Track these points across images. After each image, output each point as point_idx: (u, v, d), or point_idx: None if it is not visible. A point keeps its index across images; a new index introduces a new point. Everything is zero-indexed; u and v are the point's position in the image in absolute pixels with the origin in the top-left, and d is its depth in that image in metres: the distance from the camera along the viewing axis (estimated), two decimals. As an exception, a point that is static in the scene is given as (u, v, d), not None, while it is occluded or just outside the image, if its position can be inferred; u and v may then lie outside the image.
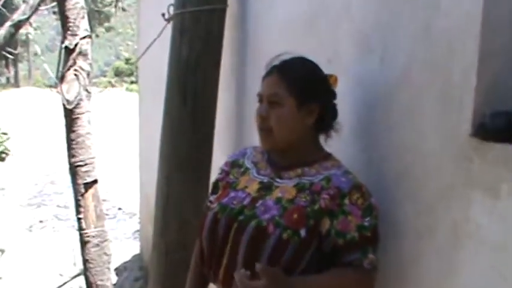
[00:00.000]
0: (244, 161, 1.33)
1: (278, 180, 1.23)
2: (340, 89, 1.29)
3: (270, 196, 1.20)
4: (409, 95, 1.12)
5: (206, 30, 2.02)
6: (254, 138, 1.32)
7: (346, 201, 1.12)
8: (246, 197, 1.23)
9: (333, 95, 1.26)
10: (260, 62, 1.34)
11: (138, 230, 5.60)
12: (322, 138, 1.28)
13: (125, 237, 5.78)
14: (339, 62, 1.42)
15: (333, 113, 1.26)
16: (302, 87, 1.19)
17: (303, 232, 1.11)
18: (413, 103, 1.11)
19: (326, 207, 1.12)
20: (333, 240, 1.12)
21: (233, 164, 1.35)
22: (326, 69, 1.28)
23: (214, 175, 1.43)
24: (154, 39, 2.78)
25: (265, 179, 1.25)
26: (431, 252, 1.04)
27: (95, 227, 3.29)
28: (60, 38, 3.37)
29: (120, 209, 6.96)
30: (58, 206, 6.85)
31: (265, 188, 1.23)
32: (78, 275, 4.28)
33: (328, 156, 1.25)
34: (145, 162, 5.06)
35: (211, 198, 1.35)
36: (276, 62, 1.24)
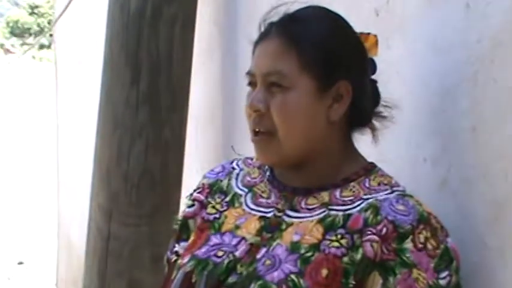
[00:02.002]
0: (231, 183, 1.34)
1: (291, 213, 1.23)
2: (392, 58, 1.30)
3: (279, 241, 1.20)
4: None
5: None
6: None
7: (409, 244, 1.12)
8: (238, 244, 1.23)
9: (372, 68, 1.27)
10: (260, 10, 1.34)
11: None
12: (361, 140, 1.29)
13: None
14: (392, 12, 1.45)
15: (373, 95, 1.26)
16: (325, 56, 1.19)
17: None
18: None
19: (375, 256, 1.12)
20: None
21: (213, 189, 1.35)
22: (372, 26, 1.29)
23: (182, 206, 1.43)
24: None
25: (270, 213, 1.25)
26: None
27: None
28: None
29: (21, 263, 6.97)
30: None
31: (271, 228, 1.23)
32: None
33: (371, 168, 1.25)
34: (66, 182, 5.10)
35: (178, 247, 1.35)
36: (275, 17, 1.24)
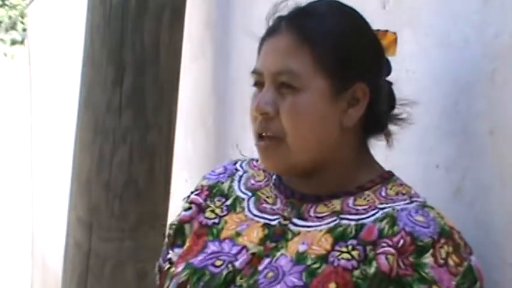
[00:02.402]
0: (233, 186, 1.34)
1: (298, 221, 1.23)
2: (401, 54, 1.29)
3: (283, 251, 1.19)
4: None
5: None
6: (252, 143, 1.31)
7: (429, 259, 1.11)
8: (239, 253, 1.22)
9: (387, 69, 1.27)
10: (256, 7, 1.34)
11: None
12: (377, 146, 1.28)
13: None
14: (401, 4, 1.45)
15: (388, 98, 1.26)
16: (341, 55, 1.19)
17: None
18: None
19: (390, 270, 1.11)
20: None
21: (212, 191, 1.35)
22: (378, 21, 1.27)
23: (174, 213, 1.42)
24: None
25: (275, 220, 1.25)
26: None
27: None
28: None
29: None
30: None
31: (275, 237, 1.23)
32: None
33: (388, 177, 1.25)
34: (41, 193, 5.08)
35: (171, 254, 1.34)
36: (286, 11, 1.24)
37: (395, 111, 1.27)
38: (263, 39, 1.25)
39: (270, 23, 1.25)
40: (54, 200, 4.56)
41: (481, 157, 1.25)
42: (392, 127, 1.27)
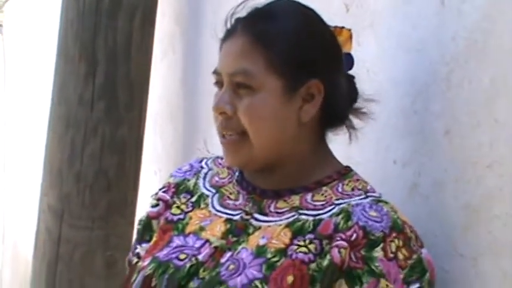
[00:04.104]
0: (198, 183, 1.33)
1: (259, 216, 1.22)
2: (362, 55, 1.29)
3: (245, 245, 1.19)
4: (494, 63, 1.12)
5: None
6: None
7: (379, 253, 1.10)
8: (202, 246, 1.22)
9: (349, 63, 1.26)
10: (226, 6, 1.34)
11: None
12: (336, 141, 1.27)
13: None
14: (363, 7, 1.45)
15: (349, 92, 1.25)
16: (292, 54, 1.18)
17: None
18: (501, 78, 1.11)
19: (342, 263, 1.10)
20: None
21: (179, 188, 1.34)
22: (341, 22, 1.27)
23: (144, 206, 1.41)
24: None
25: (237, 215, 1.24)
26: None
27: None
28: None
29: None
30: None
31: (237, 231, 1.22)
32: None
33: (345, 172, 1.24)
34: (12, 182, 5.03)
35: (139, 249, 1.34)
36: (243, 13, 1.23)
37: (358, 105, 1.26)
38: (222, 40, 1.24)
39: (229, 24, 1.24)
40: (25, 189, 4.51)
41: (436, 154, 1.25)
42: (355, 121, 1.27)
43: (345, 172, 1.24)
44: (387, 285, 1.09)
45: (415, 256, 1.11)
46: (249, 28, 1.20)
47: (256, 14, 1.22)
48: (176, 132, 2.47)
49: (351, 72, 1.28)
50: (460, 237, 1.19)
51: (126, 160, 2.15)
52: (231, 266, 1.16)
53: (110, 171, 2.11)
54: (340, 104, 1.23)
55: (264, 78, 1.17)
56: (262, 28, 1.19)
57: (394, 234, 1.11)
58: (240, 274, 1.14)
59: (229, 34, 1.22)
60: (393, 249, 1.10)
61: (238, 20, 1.22)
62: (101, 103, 2.08)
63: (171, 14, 2.42)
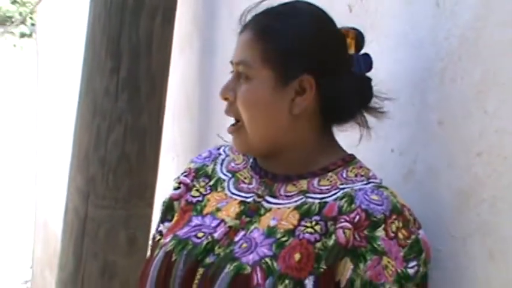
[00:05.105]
0: (216, 169, 1.33)
1: (270, 199, 1.22)
2: (364, 51, 1.27)
3: (256, 225, 1.19)
4: (484, 60, 1.12)
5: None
6: None
7: (380, 233, 1.10)
8: (218, 226, 1.22)
9: (364, 63, 1.25)
10: (239, 6, 1.34)
11: (28, 280, 5.54)
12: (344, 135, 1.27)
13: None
14: (365, 9, 1.44)
15: (360, 90, 1.23)
16: (287, 49, 1.17)
17: (309, 283, 1.09)
18: (492, 74, 1.10)
19: (347, 242, 1.10)
20: None
21: (198, 173, 1.34)
22: (345, 22, 1.26)
23: (163, 189, 1.41)
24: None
25: (250, 198, 1.24)
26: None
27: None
28: None
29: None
30: None
31: (250, 212, 1.22)
32: None
33: (349, 160, 1.23)
34: (44, 166, 5.04)
35: (162, 227, 1.35)
36: (255, 12, 1.24)
37: (374, 104, 1.25)
38: (238, 35, 1.24)
39: (243, 21, 1.25)
40: (55, 172, 4.52)
41: (430, 143, 1.25)
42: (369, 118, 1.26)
43: (349, 160, 1.23)
44: (389, 262, 1.09)
45: (413, 236, 1.11)
46: (255, 24, 1.21)
47: (266, 12, 1.22)
48: (192, 121, 2.47)
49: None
50: (452, 219, 1.19)
51: (147, 146, 2.15)
52: (244, 245, 1.16)
53: (132, 156, 2.11)
54: (341, 100, 1.21)
55: (259, 69, 1.17)
56: (265, 24, 1.20)
57: (394, 216, 1.11)
58: (252, 252, 1.14)
59: (242, 29, 1.23)
60: (394, 230, 1.10)
61: (252, 16, 1.23)
62: (124, 94, 2.08)
63: (189, 13, 2.42)
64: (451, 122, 1.20)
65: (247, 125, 1.19)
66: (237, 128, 1.21)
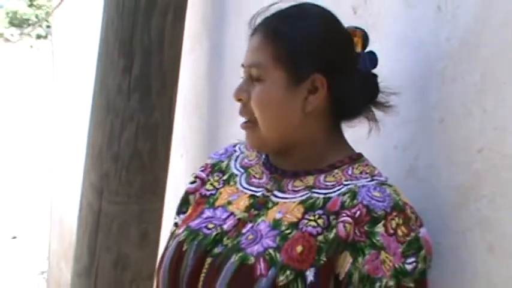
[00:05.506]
0: (230, 164, 1.34)
1: (278, 193, 1.22)
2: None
3: (264, 218, 1.19)
4: (484, 61, 1.12)
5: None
6: (237, 126, 1.31)
7: (380, 229, 1.09)
8: (227, 218, 1.23)
9: (369, 60, 1.25)
10: (247, 8, 1.33)
11: (45, 271, 5.57)
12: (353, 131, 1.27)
13: (24, 282, 5.71)
14: (369, 11, 1.44)
15: (367, 87, 1.23)
16: (298, 50, 1.17)
17: (310, 274, 1.09)
18: (491, 75, 1.11)
19: (347, 236, 1.10)
20: None
21: (214, 168, 1.35)
22: (349, 24, 1.26)
23: (173, 185, 1.41)
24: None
25: (259, 192, 1.25)
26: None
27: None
28: None
29: (15, 237, 6.92)
30: None
31: (258, 206, 1.22)
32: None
33: (356, 158, 1.23)
34: (60, 162, 5.06)
35: (177, 219, 1.36)
36: (264, 15, 1.23)
37: (381, 99, 1.25)
38: (249, 38, 1.24)
39: (253, 24, 1.24)
40: (70, 169, 4.53)
41: (432, 141, 1.25)
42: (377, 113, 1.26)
43: (356, 158, 1.22)
44: (387, 257, 1.08)
45: (413, 234, 1.10)
46: (266, 26, 1.20)
47: (275, 15, 1.22)
48: (201, 119, 2.47)
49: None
50: (452, 214, 1.19)
51: (158, 144, 2.15)
52: (250, 236, 1.16)
53: (144, 153, 2.11)
54: (350, 98, 1.21)
55: (271, 70, 1.17)
56: (275, 27, 1.19)
57: (395, 213, 1.10)
58: (257, 243, 1.14)
59: (252, 32, 1.23)
60: (393, 226, 1.09)
61: (262, 20, 1.23)
62: (136, 93, 2.08)
63: (198, 13, 2.42)
64: (451, 120, 1.20)
65: (261, 124, 1.19)
66: (251, 126, 1.21)
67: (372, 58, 1.25)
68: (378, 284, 1.07)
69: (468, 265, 1.15)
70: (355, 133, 1.27)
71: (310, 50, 1.17)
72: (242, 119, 1.24)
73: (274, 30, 1.18)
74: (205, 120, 2.43)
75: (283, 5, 1.22)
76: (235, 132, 1.35)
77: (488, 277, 1.11)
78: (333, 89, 1.18)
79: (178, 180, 2.36)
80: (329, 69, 1.18)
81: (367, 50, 1.25)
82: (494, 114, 1.09)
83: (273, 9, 1.23)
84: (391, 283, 1.07)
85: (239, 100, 1.21)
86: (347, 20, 1.26)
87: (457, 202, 1.17)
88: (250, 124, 1.21)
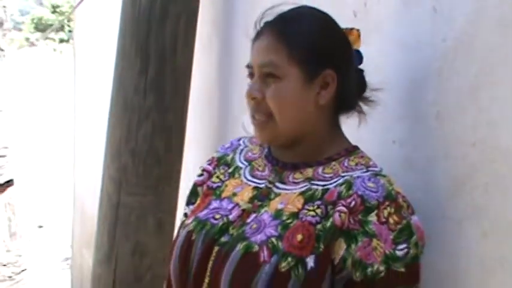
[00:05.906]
0: (235, 158, 1.34)
1: (279, 185, 1.23)
2: (369, 53, 1.29)
3: (266, 208, 1.20)
4: (478, 61, 1.13)
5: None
6: (247, 123, 1.32)
7: (373, 217, 1.10)
8: (233, 209, 1.23)
9: (358, 59, 1.26)
10: (255, 10, 1.34)
11: (68, 258, 5.61)
12: (348, 124, 1.28)
13: (50, 268, 5.75)
14: (369, 14, 1.45)
15: (359, 82, 1.25)
16: (310, 49, 1.18)
17: (310, 261, 1.10)
18: (484, 73, 1.11)
19: (342, 224, 1.11)
20: (348, 274, 1.10)
21: (220, 162, 1.36)
22: (350, 26, 1.27)
23: (186, 177, 1.42)
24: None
25: (262, 184, 1.25)
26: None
27: (8, 251, 3.24)
28: None
29: (41, 227, 6.96)
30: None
31: (261, 197, 1.23)
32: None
33: (352, 150, 1.24)
34: (81, 157, 5.09)
35: (187, 210, 1.37)
36: (270, 17, 1.23)
37: (367, 94, 1.26)
38: (253, 41, 1.24)
39: (258, 27, 1.24)
40: (91, 164, 4.56)
41: (429, 135, 1.25)
42: (364, 107, 1.27)
43: (352, 150, 1.23)
44: (378, 244, 1.08)
45: (404, 221, 1.10)
46: (274, 29, 1.20)
47: (280, 18, 1.22)
48: (212, 117, 2.48)
49: (361, 66, 1.27)
50: (448, 204, 1.19)
51: (173, 140, 2.16)
52: (254, 226, 1.17)
53: (160, 149, 2.13)
54: (350, 91, 1.22)
55: (287, 68, 1.17)
56: (284, 28, 1.20)
57: (387, 203, 1.10)
58: (260, 232, 1.15)
59: (258, 35, 1.23)
60: (385, 215, 1.09)
61: (266, 23, 1.23)
62: (152, 93, 2.09)
63: (209, 18, 2.42)
64: (447, 115, 1.20)
65: (278, 119, 1.18)
66: (266, 120, 1.20)
67: (360, 56, 1.27)
68: (369, 269, 1.08)
69: (463, 250, 1.16)
70: (359, 129, 1.28)
71: (320, 48, 1.19)
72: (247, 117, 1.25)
73: (283, 31, 1.19)
74: (216, 119, 2.44)
75: (285, 7, 1.23)
76: (241, 131, 1.36)
77: (481, 260, 1.12)
78: (339, 84, 1.20)
79: (190, 173, 2.37)
80: (337, 66, 1.19)
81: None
82: (487, 111, 1.10)
83: (276, 12, 1.23)
84: (382, 268, 1.08)
85: (253, 99, 1.20)
86: (348, 23, 1.27)
87: (453, 192, 1.18)
88: (265, 119, 1.20)
